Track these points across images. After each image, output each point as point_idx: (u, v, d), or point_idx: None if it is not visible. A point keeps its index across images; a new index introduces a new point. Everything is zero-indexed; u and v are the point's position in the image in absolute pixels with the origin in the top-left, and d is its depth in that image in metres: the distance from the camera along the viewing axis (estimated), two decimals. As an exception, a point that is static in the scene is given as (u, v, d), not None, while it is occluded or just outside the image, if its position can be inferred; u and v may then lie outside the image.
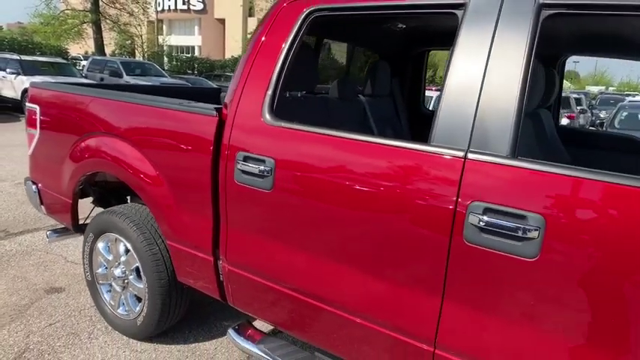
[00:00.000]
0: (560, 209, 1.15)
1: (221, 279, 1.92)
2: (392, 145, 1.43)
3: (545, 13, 1.27)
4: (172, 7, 43.85)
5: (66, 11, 22.74)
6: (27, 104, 2.73)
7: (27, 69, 10.82)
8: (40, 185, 2.73)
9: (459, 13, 1.40)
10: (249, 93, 1.75)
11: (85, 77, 13.14)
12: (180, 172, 1.94)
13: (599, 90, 33.67)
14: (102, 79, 13.23)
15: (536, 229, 1.16)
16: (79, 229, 2.62)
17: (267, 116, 1.68)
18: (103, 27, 22.13)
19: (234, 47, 35.86)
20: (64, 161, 2.43)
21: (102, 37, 21.79)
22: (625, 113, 7.89)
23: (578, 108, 12.32)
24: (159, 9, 39.76)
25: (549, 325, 1.20)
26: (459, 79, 1.34)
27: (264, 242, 1.72)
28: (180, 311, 2.30)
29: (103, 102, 2.26)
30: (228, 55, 34.19)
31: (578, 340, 1.17)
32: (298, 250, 1.63)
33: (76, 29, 22.92)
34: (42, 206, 2.76)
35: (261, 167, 1.65)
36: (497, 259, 1.22)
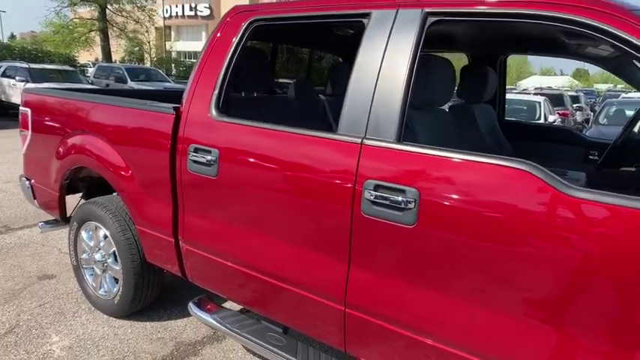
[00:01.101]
0: (430, 184, 1.38)
1: (182, 258, 2.17)
2: (310, 135, 1.67)
3: (431, 19, 1.50)
4: (180, 14, 44.66)
5: (74, 20, 23.39)
6: (20, 108, 3.02)
7: (35, 77, 11.23)
8: (32, 181, 3.02)
9: (365, 21, 1.64)
10: (200, 93, 2.00)
11: (92, 83, 13.56)
12: (144, 163, 2.20)
13: (608, 87, 33.43)
14: (107, 85, 13.64)
15: (413, 201, 1.39)
16: (66, 219, 2.90)
17: (214, 112, 1.93)
18: (110, 34, 22.74)
19: (240, 52, 36.30)
20: (51, 158, 2.70)
21: (109, 45, 22.41)
22: (613, 109, 7.95)
23: (575, 106, 12.46)
24: (166, 15, 40.44)
25: (432, 282, 1.42)
26: (360, 77, 1.58)
27: (212, 222, 1.97)
28: (152, 293, 2.55)
29: (82, 104, 2.53)
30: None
31: (458, 295, 1.39)
32: (238, 227, 1.88)
33: (84, 37, 23.57)
34: (35, 200, 3.04)
35: (208, 157, 1.90)
36: (387, 227, 1.45)
